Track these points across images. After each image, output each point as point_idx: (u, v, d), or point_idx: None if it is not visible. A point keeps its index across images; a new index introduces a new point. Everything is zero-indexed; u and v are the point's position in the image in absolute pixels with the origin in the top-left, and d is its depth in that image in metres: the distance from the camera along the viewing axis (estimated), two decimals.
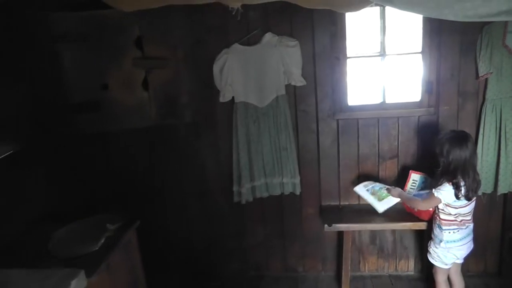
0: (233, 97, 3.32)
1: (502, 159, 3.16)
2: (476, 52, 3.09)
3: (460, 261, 2.92)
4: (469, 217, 2.80)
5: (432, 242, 2.93)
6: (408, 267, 3.71)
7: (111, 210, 2.93)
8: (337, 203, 3.57)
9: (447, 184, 2.68)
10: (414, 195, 3.12)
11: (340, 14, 3.13)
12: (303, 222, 3.65)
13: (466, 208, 2.75)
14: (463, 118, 3.28)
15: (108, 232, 2.57)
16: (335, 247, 3.71)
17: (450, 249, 2.81)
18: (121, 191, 3.56)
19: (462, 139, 2.69)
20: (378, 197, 3.14)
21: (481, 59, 3.07)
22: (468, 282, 3.16)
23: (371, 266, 3.74)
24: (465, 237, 2.81)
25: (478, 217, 3.08)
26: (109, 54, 3.24)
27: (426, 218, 3.08)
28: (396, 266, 3.72)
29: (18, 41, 2.90)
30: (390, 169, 3.46)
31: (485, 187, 3.27)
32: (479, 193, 3.19)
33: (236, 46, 3.23)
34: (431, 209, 2.94)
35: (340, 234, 3.50)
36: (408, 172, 3.24)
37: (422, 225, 3.14)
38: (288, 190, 3.47)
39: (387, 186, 3.18)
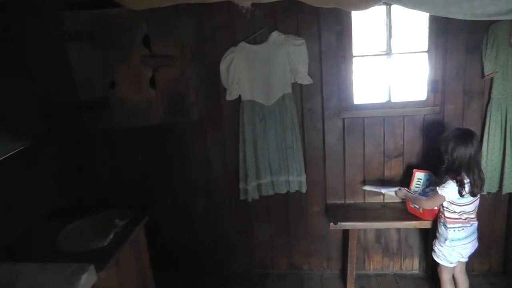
0: (239, 96, 3.34)
1: (507, 158, 3.15)
2: (482, 51, 3.09)
3: (465, 259, 2.93)
4: (473, 215, 2.82)
5: (437, 241, 2.94)
6: (413, 266, 3.71)
7: (118, 207, 2.94)
8: (342, 201, 3.58)
9: (451, 182, 2.70)
10: (419, 194, 3.14)
11: (346, 13, 3.14)
12: (308, 220, 3.67)
13: (470, 206, 2.77)
14: (468, 117, 3.28)
15: (117, 227, 2.59)
16: (340, 245, 3.72)
17: (455, 248, 2.83)
18: (128, 188, 3.60)
19: (467, 136, 2.71)
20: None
21: (486, 58, 3.06)
22: (472, 281, 3.17)
23: (376, 264, 3.75)
24: (470, 235, 2.82)
25: (482, 216, 3.10)
26: (117, 52, 3.26)
27: (430, 218, 3.09)
28: (401, 265, 3.73)
29: (27, 40, 2.93)
30: (395, 167, 3.47)
31: (490, 186, 3.27)
32: (484, 192, 3.20)
33: (243, 45, 3.24)
34: (435, 208, 2.96)
35: (345, 232, 3.52)
36: (413, 171, 3.25)
37: (427, 224, 3.15)
38: (294, 188, 3.48)
39: (393, 189, 3.22)
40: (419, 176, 3.22)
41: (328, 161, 3.51)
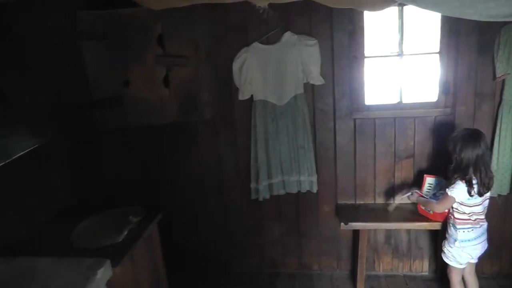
0: (252, 95, 3.36)
1: None
2: (494, 53, 3.09)
3: (475, 260, 2.92)
4: (483, 216, 2.82)
5: (446, 242, 2.94)
6: (423, 267, 3.71)
7: (129, 205, 2.96)
8: (353, 201, 3.59)
9: (460, 182, 2.72)
10: (430, 197, 3.14)
11: (358, 13, 3.17)
12: (319, 220, 3.68)
13: (480, 206, 2.77)
14: (479, 119, 3.28)
15: (131, 224, 2.61)
16: (350, 245, 3.73)
17: (465, 248, 2.83)
18: (139, 186, 3.63)
19: (475, 137, 2.73)
20: None
21: (498, 59, 3.06)
22: (482, 283, 3.16)
23: (385, 265, 3.76)
24: (479, 236, 2.82)
25: (493, 218, 3.11)
26: (131, 51, 3.29)
27: (440, 220, 3.10)
28: (410, 266, 3.72)
29: (43, 39, 2.97)
30: (405, 168, 3.47)
31: (501, 188, 3.27)
32: (494, 194, 3.21)
33: (256, 45, 3.27)
34: (446, 210, 2.96)
35: (356, 232, 3.53)
36: (423, 175, 3.26)
37: (437, 225, 3.15)
38: (305, 188, 3.50)
39: (406, 194, 3.24)
40: (429, 181, 3.22)
41: (339, 161, 3.52)
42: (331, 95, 3.38)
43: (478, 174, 2.68)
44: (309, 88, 3.37)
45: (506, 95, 3.12)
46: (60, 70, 3.13)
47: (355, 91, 3.36)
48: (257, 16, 3.02)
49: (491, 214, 2.90)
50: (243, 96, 3.35)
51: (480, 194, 2.71)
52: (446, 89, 3.28)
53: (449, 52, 3.21)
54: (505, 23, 2.97)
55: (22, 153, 2.61)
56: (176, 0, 2.23)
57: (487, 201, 2.83)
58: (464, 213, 2.78)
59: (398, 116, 3.37)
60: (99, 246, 2.43)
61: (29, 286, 1.79)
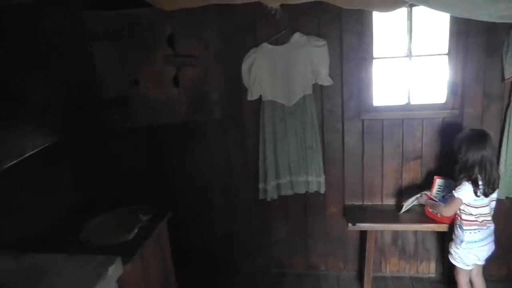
0: (260, 96, 3.38)
1: None
2: (503, 54, 3.09)
3: (482, 262, 2.91)
4: (489, 218, 2.82)
5: (453, 243, 2.94)
6: (430, 269, 3.70)
7: (138, 204, 2.98)
8: (360, 202, 3.60)
9: (466, 183, 2.72)
10: (439, 200, 3.14)
11: (367, 14, 3.18)
12: (326, 220, 3.68)
13: (486, 208, 2.77)
14: (487, 120, 3.28)
15: (141, 222, 2.62)
16: (357, 246, 3.73)
17: (471, 250, 2.82)
18: (147, 185, 3.63)
19: (480, 137, 2.74)
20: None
21: (507, 61, 3.06)
22: (490, 286, 3.15)
23: (392, 267, 3.75)
24: (486, 238, 2.82)
25: (501, 221, 3.10)
26: (141, 51, 3.31)
27: (448, 222, 3.10)
28: (417, 268, 3.72)
29: (53, 39, 2.99)
30: (413, 170, 3.48)
31: (509, 191, 3.26)
32: (502, 196, 3.21)
33: (265, 45, 3.29)
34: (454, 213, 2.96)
35: (363, 233, 3.53)
36: (432, 176, 3.26)
37: (444, 227, 3.15)
38: (313, 188, 3.51)
39: (415, 195, 3.25)
40: (439, 183, 3.21)
41: (347, 162, 3.53)
42: (339, 96, 3.39)
43: (484, 174, 2.69)
44: (318, 89, 3.38)
45: None
46: (71, 70, 3.15)
47: (363, 92, 3.37)
48: (266, 16, 3.05)
49: (498, 216, 2.89)
50: (252, 96, 3.36)
51: (486, 194, 2.71)
52: (454, 91, 3.28)
53: (458, 53, 3.21)
54: None
55: (33, 151, 2.63)
56: (189, 0, 2.23)
57: (494, 202, 2.83)
58: (471, 214, 2.78)
59: (406, 117, 3.38)
60: (109, 244, 2.43)
61: (41, 282, 1.80)
